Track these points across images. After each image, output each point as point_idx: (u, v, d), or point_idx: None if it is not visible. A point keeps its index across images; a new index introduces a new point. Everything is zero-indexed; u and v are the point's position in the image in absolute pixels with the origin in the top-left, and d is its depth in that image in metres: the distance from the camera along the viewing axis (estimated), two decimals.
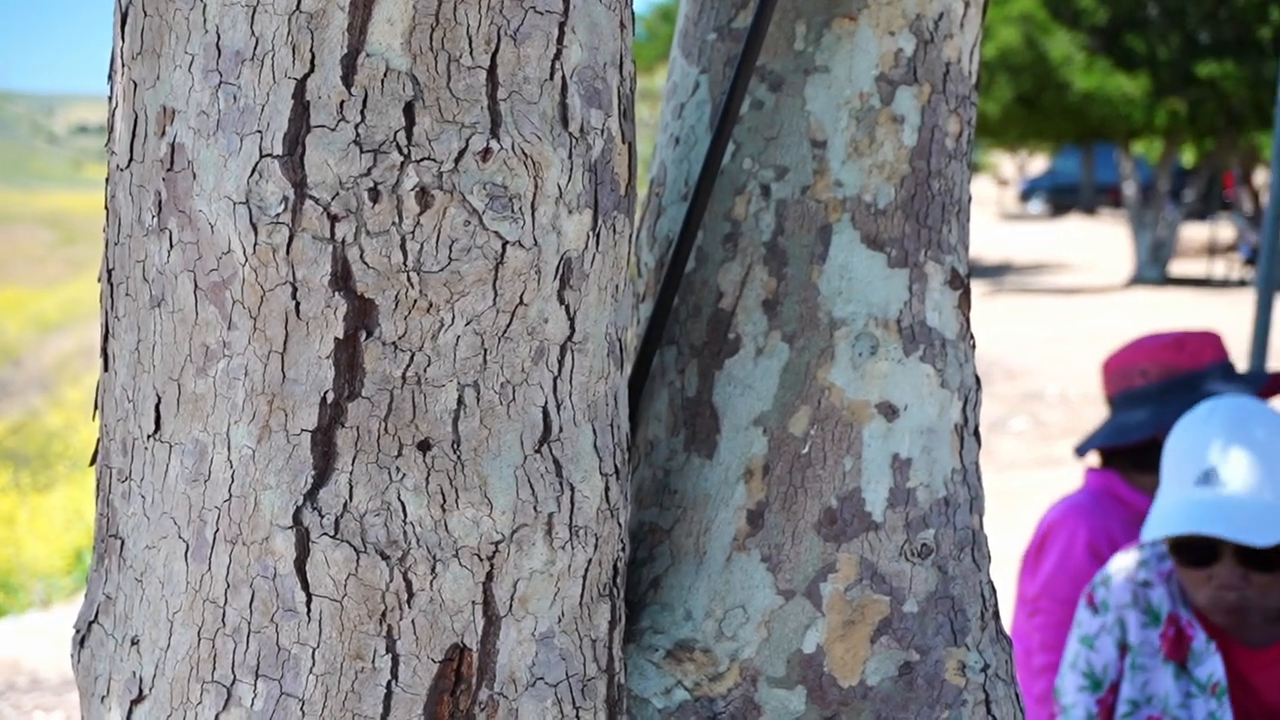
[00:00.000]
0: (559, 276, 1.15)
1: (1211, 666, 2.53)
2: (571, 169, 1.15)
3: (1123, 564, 2.65)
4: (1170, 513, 2.47)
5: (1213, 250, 31.76)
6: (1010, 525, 10.04)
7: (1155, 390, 3.16)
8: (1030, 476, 12.10)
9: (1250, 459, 2.47)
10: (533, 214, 1.12)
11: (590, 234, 1.17)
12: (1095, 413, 15.27)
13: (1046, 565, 3.20)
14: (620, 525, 1.25)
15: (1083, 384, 17.01)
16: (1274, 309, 6.96)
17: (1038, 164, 58.13)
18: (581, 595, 1.20)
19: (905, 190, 1.38)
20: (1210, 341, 3.31)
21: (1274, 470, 2.46)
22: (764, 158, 1.39)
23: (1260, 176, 35.80)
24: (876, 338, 1.34)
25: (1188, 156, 35.15)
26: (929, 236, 1.39)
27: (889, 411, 1.33)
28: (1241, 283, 27.65)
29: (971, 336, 1.42)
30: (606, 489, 1.22)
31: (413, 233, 1.09)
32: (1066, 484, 11.17)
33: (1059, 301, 25.85)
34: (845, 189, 1.37)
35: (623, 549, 1.27)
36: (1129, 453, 3.17)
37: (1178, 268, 30.92)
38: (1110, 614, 2.62)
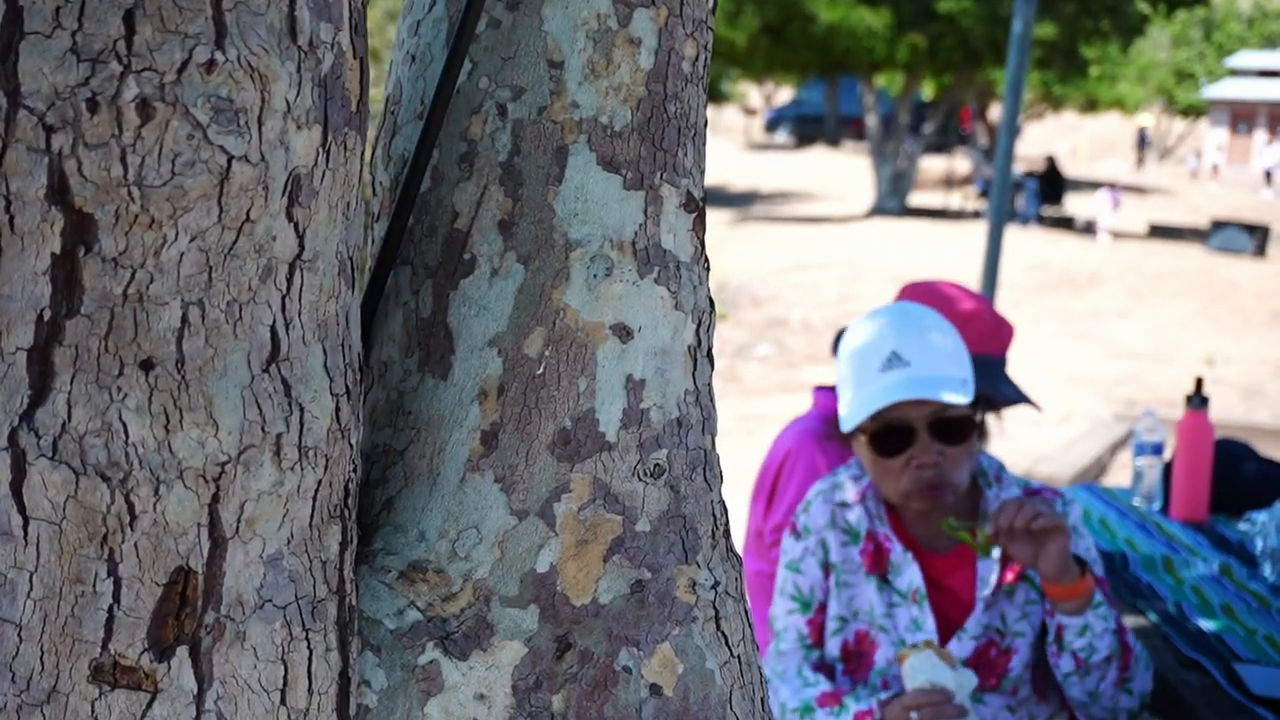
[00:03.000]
0: (287, 193, 1.13)
1: (910, 576, 2.68)
2: (300, 83, 1.12)
3: (820, 489, 2.78)
4: (867, 398, 2.63)
5: (949, 182, 32.69)
6: (757, 448, 10.24)
7: None
8: (775, 401, 12.34)
9: (928, 341, 2.66)
10: (259, 129, 1.10)
11: (320, 150, 1.15)
12: None
13: (789, 495, 3.27)
14: (352, 446, 1.24)
15: (824, 311, 17.40)
16: (1004, 240, 7.21)
17: (784, 95, 58.97)
18: (311, 517, 1.19)
19: (641, 113, 1.38)
20: (1009, 333, 3.38)
21: (950, 349, 2.66)
22: (500, 77, 1.38)
23: (995, 111, 36.89)
24: (611, 259, 1.35)
25: (927, 90, 36.04)
26: (665, 159, 1.39)
27: (623, 333, 1.34)
28: (976, 214, 28.55)
29: (706, 259, 1.44)
30: (337, 409, 1.20)
31: (133, 145, 1.05)
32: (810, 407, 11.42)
33: (803, 230, 26.33)
34: (582, 110, 1.37)
35: (354, 470, 1.26)
36: None
37: (916, 199, 31.76)
38: (812, 537, 2.74)
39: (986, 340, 3.28)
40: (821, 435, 3.26)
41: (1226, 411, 11.36)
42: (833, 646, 2.72)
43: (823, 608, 2.74)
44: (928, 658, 2.51)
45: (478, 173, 1.38)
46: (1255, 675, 2.72)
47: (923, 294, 3.33)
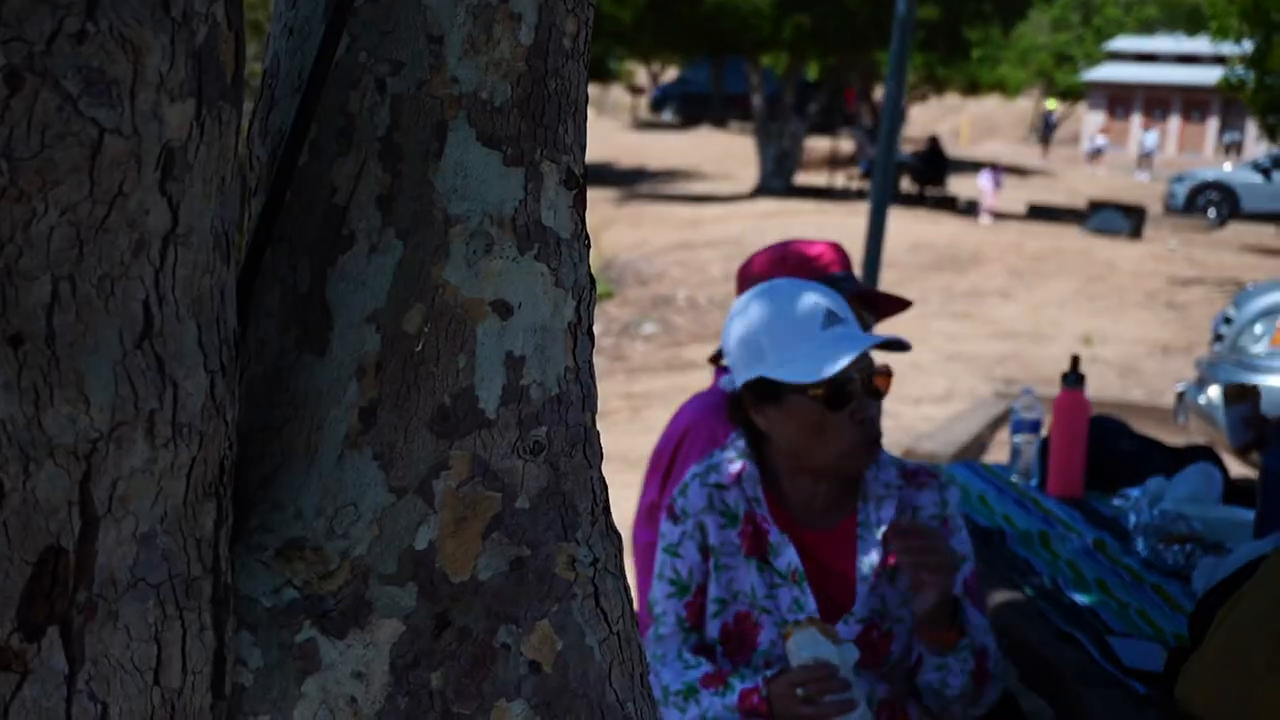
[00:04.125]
0: (160, 167, 1.11)
1: (788, 557, 2.71)
2: (173, 55, 1.11)
3: (696, 471, 2.78)
4: (827, 352, 2.61)
5: (834, 162, 32.92)
6: (643, 426, 10.28)
7: None
8: (660, 379, 12.38)
9: (843, 304, 2.71)
10: (131, 101, 1.08)
11: (194, 123, 1.14)
12: (721, 317, 15.70)
13: (689, 469, 3.28)
14: (227, 423, 1.23)
15: (709, 290, 17.47)
16: (887, 220, 7.28)
17: (671, 73, 58.99)
18: (185, 494, 1.17)
19: (522, 89, 1.38)
20: (838, 253, 3.43)
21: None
22: (380, 51, 1.37)
23: (880, 92, 37.15)
24: (491, 236, 1.34)
25: (812, 71, 36.24)
26: (545, 136, 1.39)
27: (503, 309, 1.34)
28: (860, 194, 28.80)
29: (586, 236, 1.44)
30: (212, 386, 1.19)
31: (1, 117, 1.03)
32: (695, 386, 11.47)
33: (689, 209, 26.39)
34: (461, 85, 1.36)
35: (230, 447, 1.25)
36: None
37: (801, 178, 31.94)
38: (690, 520, 2.74)
39: (835, 259, 3.37)
40: (723, 411, 3.27)
41: (1103, 389, 11.57)
42: (713, 629, 2.73)
43: (700, 590, 2.75)
44: (811, 635, 2.54)
45: (356, 148, 1.37)
46: (1127, 648, 2.77)
47: (774, 254, 3.37)
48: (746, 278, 3.37)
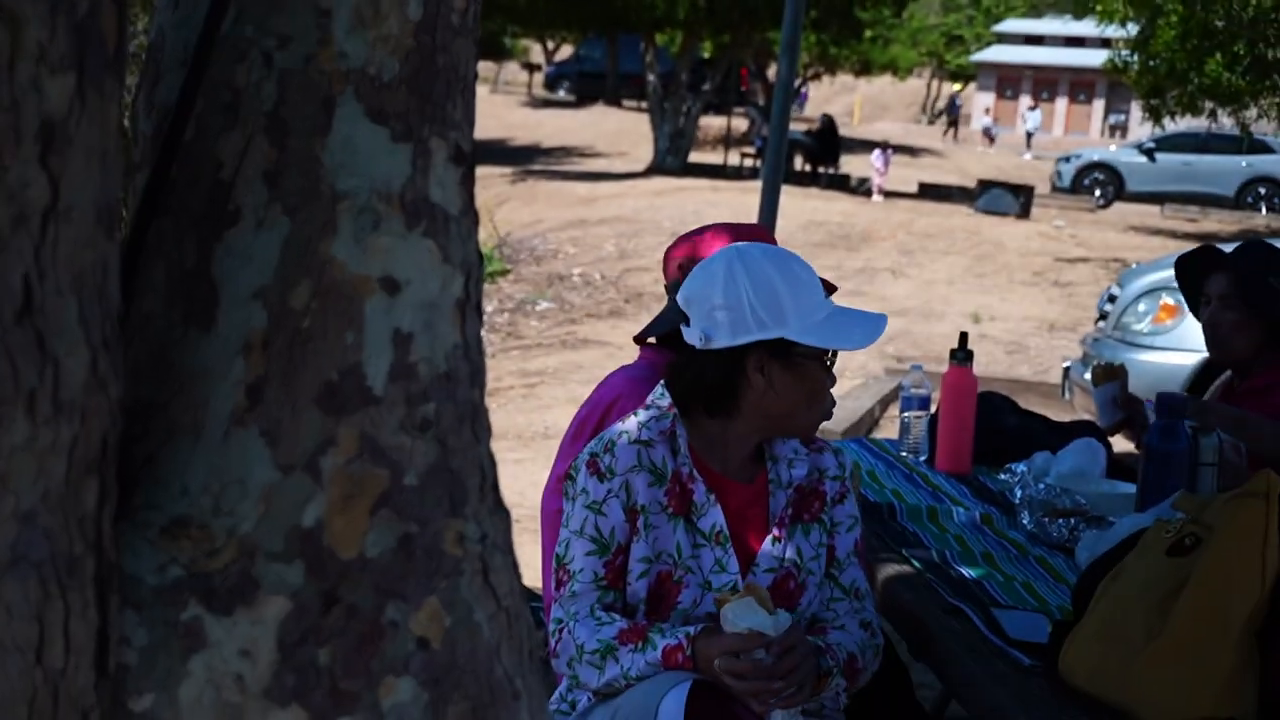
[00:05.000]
0: (40, 140, 1.09)
1: (713, 517, 2.74)
2: (54, 27, 1.09)
3: (624, 429, 2.78)
4: (843, 323, 2.79)
5: (728, 141, 33.02)
6: (537, 403, 10.27)
7: None
8: (555, 356, 12.37)
9: (814, 271, 2.84)
10: (10, 73, 1.06)
11: (75, 97, 1.12)
12: (615, 294, 15.73)
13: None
14: (110, 400, 1.21)
15: (604, 267, 17.48)
16: (780, 198, 7.32)
17: (566, 51, 58.87)
18: (67, 472, 1.16)
19: (410, 64, 1.37)
20: (763, 238, 3.43)
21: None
22: (267, 25, 1.36)
23: (774, 71, 37.31)
24: (379, 212, 1.34)
25: (707, 49, 36.32)
26: (433, 112, 1.39)
27: (391, 286, 1.33)
28: (754, 172, 28.91)
29: (475, 213, 1.44)
30: (94, 362, 1.17)
31: None
32: (590, 363, 11.49)
33: (584, 187, 26.38)
34: (349, 61, 1.35)
35: (114, 424, 1.23)
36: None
37: (696, 156, 32.01)
38: (616, 479, 2.74)
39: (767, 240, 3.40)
40: (650, 381, 3.25)
41: (991, 366, 11.73)
42: (639, 589, 2.73)
43: (621, 550, 2.74)
44: (748, 604, 2.55)
45: (243, 122, 1.35)
46: (1012, 620, 2.82)
47: (698, 243, 3.37)
48: (687, 255, 3.35)
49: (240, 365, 1.31)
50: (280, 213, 1.33)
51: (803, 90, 50.78)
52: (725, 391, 2.77)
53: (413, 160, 1.36)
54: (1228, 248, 4.37)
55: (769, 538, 2.80)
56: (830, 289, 3.19)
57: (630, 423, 2.80)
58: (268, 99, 1.35)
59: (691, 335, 2.76)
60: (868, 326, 2.78)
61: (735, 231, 3.38)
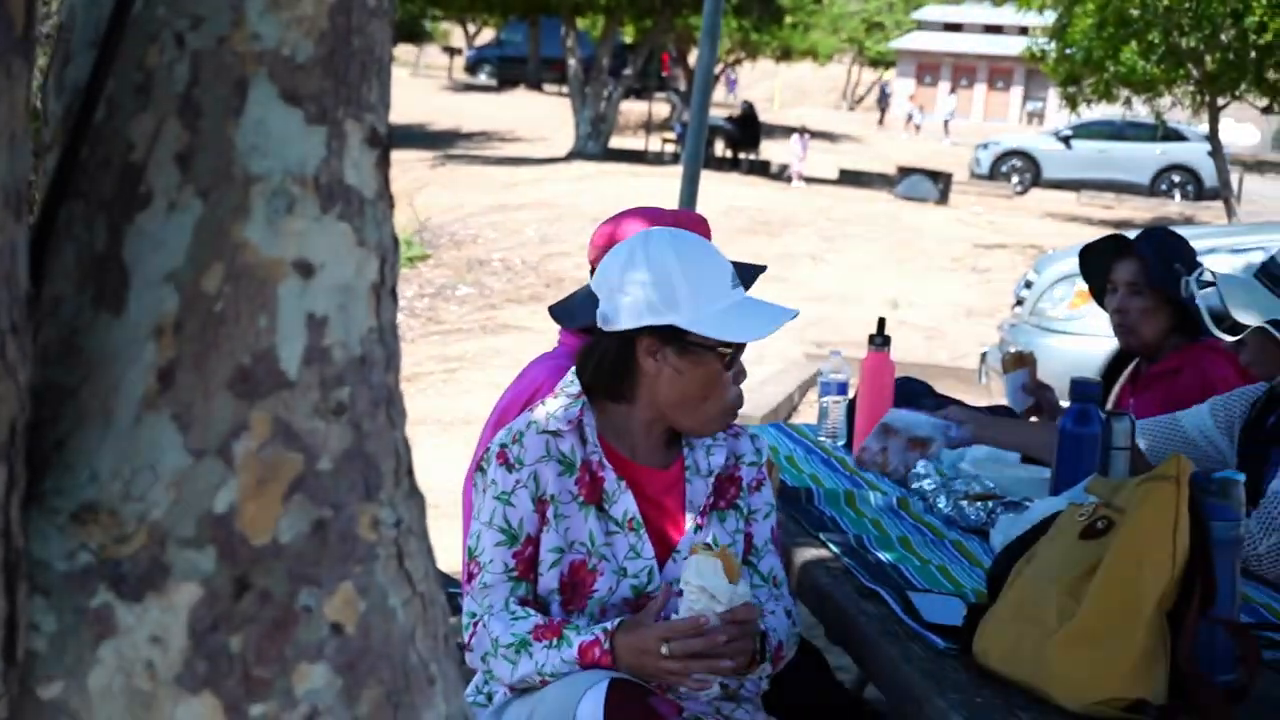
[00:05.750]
0: None
1: (625, 504, 2.74)
2: None
3: (532, 418, 2.77)
4: (741, 315, 2.74)
5: (649, 126, 33.02)
6: (457, 388, 10.24)
7: None
8: (476, 341, 12.33)
9: (725, 260, 2.80)
10: None
11: None
12: (535, 279, 15.71)
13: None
14: (19, 385, 1.20)
15: (524, 252, 17.45)
16: (700, 183, 7.34)
17: (487, 35, 58.65)
18: None
19: (325, 46, 1.36)
20: (699, 224, 3.42)
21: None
22: (179, 5, 1.34)
23: (695, 57, 37.34)
24: (293, 194, 1.33)
25: (628, 34, 36.29)
26: (348, 94, 1.38)
27: (305, 269, 1.32)
28: (675, 158, 28.91)
29: (390, 196, 1.43)
30: (2, 346, 1.16)
31: None
32: (510, 348, 11.46)
33: (505, 171, 26.31)
34: (263, 42, 1.34)
35: (22, 409, 1.22)
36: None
37: (617, 142, 31.99)
38: (524, 470, 2.73)
39: (704, 233, 3.37)
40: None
41: (910, 352, 11.80)
42: (550, 579, 2.73)
43: (530, 541, 2.74)
44: (714, 565, 2.54)
45: (154, 104, 1.34)
46: (928, 603, 2.84)
47: (626, 227, 3.34)
48: (608, 238, 3.32)
49: (151, 349, 1.30)
50: (192, 195, 1.31)
51: (732, 77, 51.00)
52: (622, 376, 2.77)
53: (327, 143, 1.35)
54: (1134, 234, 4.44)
55: (689, 526, 2.80)
56: (756, 272, 3.19)
57: (539, 412, 2.79)
58: (180, 80, 1.33)
59: (599, 317, 2.77)
60: (766, 319, 2.75)
61: (661, 217, 3.36)
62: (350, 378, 1.35)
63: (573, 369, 2.85)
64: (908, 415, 4.03)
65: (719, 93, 49.57)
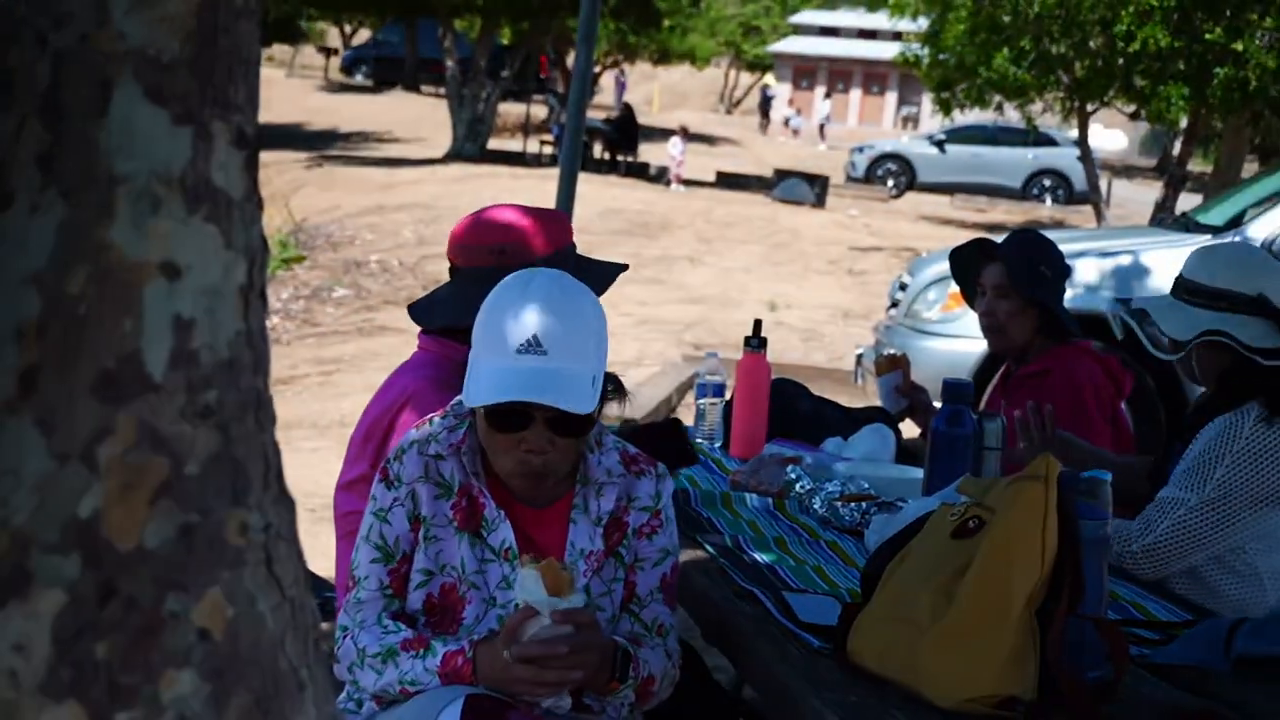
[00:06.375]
0: None
1: (503, 534, 2.69)
2: None
3: (414, 438, 2.74)
4: (496, 380, 2.58)
5: (526, 128, 32.98)
6: (334, 391, 10.16)
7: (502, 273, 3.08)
8: (352, 343, 12.25)
9: (569, 329, 2.61)
10: None
11: None
12: (413, 281, 15.62)
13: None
14: None
15: (401, 253, 17.35)
16: (578, 185, 7.34)
17: (364, 35, 58.25)
18: None
19: (191, 46, 1.34)
20: (560, 222, 3.40)
21: (590, 341, 2.63)
22: (41, 4, 1.32)
23: (572, 59, 37.36)
24: (159, 196, 1.31)
25: (506, 35, 36.21)
26: (215, 94, 1.36)
27: (171, 271, 1.31)
28: (554, 160, 28.87)
29: (259, 198, 1.41)
30: None
31: None
32: (387, 350, 11.39)
33: (382, 173, 26.15)
34: (128, 41, 1.32)
35: None
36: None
37: (495, 143, 31.91)
38: (403, 488, 2.70)
39: (564, 233, 3.34)
40: (439, 381, 3.17)
41: (786, 353, 11.90)
42: (415, 599, 2.70)
43: (406, 559, 2.71)
44: (533, 578, 2.50)
45: (16, 104, 1.31)
46: (803, 603, 2.86)
47: (484, 225, 3.30)
48: (460, 243, 3.28)
49: (13, 352, 1.27)
50: (55, 197, 1.29)
51: (622, 80, 51.00)
52: None
53: (194, 144, 1.34)
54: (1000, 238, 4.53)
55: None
56: (615, 270, 3.18)
57: (424, 430, 2.74)
58: (42, 80, 1.31)
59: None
60: (504, 390, 2.58)
61: (518, 212, 3.33)
62: (218, 381, 1.34)
63: None
64: (780, 447, 4.09)
65: (609, 96, 49.49)
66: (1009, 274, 4.29)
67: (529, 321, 2.59)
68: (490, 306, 2.66)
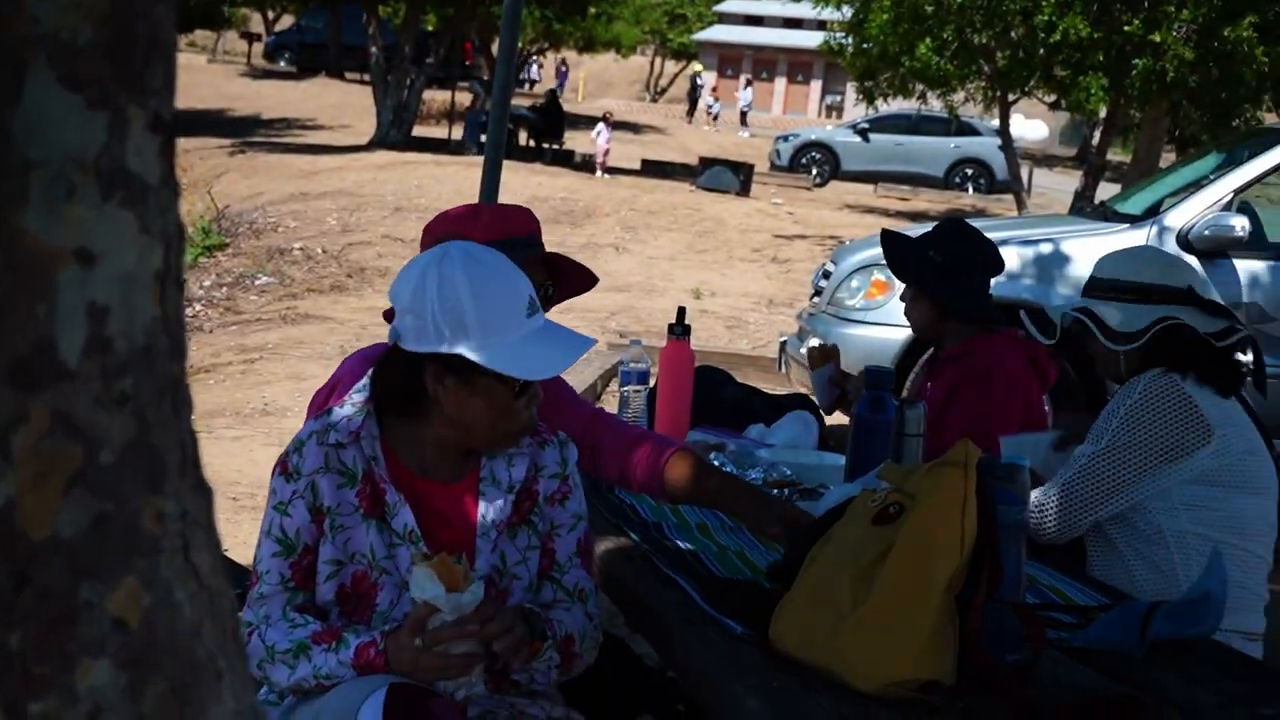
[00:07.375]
0: None
1: (404, 517, 2.69)
2: None
3: (313, 429, 2.73)
4: (541, 345, 2.64)
5: (451, 115, 32.86)
6: (256, 379, 10.08)
7: None
8: (275, 331, 12.16)
9: (525, 280, 2.69)
10: None
11: None
12: (337, 269, 15.54)
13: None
14: None
15: (325, 241, 17.25)
16: (502, 173, 7.32)
17: (287, 21, 57.78)
18: None
19: (106, 30, 1.33)
20: (526, 218, 3.41)
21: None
22: None
23: (497, 45, 37.29)
24: (73, 181, 1.29)
25: (430, 22, 36.06)
26: (131, 79, 1.35)
27: (86, 258, 1.29)
28: (477, 147, 28.75)
29: (176, 183, 1.40)
30: None
31: None
32: (310, 338, 11.33)
33: (305, 159, 25.97)
34: (41, 25, 1.30)
35: None
36: None
37: (419, 130, 31.79)
38: (302, 480, 2.68)
39: (529, 221, 3.37)
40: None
41: (711, 341, 11.94)
42: (327, 591, 2.68)
43: (308, 551, 2.69)
44: (426, 574, 2.50)
45: None
46: (725, 589, 2.88)
47: (455, 220, 3.31)
48: (436, 235, 3.27)
49: None
50: None
51: (564, 69, 50.84)
52: (410, 396, 2.70)
53: (109, 128, 1.32)
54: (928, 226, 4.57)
55: (481, 541, 2.74)
56: (574, 277, 3.19)
57: (321, 422, 2.73)
58: None
59: (389, 333, 2.71)
60: (561, 353, 2.66)
61: (493, 212, 3.35)
62: (133, 368, 1.32)
63: (368, 374, 2.79)
64: (704, 434, 4.13)
65: (552, 84, 49.24)
66: (886, 260, 4.38)
67: (519, 285, 2.66)
68: (467, 286, 2.61)
